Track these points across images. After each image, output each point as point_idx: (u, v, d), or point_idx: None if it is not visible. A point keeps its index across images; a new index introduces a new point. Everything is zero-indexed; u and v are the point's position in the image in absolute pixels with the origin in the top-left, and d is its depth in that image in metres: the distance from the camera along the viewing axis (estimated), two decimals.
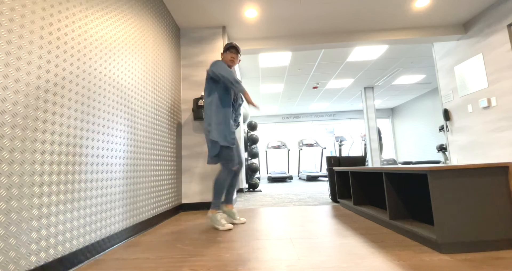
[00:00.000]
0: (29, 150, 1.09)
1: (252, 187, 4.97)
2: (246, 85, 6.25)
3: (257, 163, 6.73)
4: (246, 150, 5.36)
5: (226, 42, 3.33)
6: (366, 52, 4.66)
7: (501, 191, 1.31)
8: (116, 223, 1.70)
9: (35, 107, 1.13)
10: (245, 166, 5.10)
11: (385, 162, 7.27)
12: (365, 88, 7.11)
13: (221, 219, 2.01)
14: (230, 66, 2.24)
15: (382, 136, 7.56)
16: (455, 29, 3.57)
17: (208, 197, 3.02)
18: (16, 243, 1.01)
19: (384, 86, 7.07)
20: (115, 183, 1.71)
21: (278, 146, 8.23)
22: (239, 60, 2.31)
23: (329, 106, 9.29)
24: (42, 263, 1.12)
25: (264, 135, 10.26)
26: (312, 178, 7.12)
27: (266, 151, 8.80)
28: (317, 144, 8.04)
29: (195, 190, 3.04)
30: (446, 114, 3.91)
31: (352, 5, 3.01)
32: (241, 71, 5.35)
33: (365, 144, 7.33)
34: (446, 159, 6.21)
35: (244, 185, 5.11)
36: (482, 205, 1.30)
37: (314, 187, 5.17)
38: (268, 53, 4.12)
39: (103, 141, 1.61)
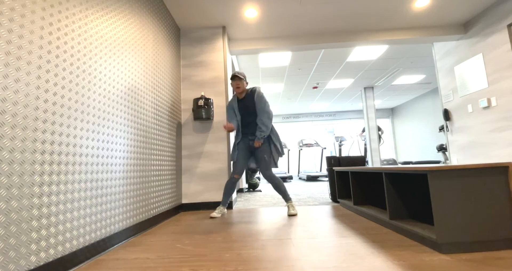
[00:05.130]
0: (29, 150, 1.09)
1: (252, 187, 4.98)
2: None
3: None
4: None
5: (226, 42, 3.33)
6: (366, 52, 4.66)
7: (501, 191, 1.31)
8: (116, 223, 1.70)
9: (35, 107, 1.13)
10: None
11: (385, 162, 7.27)
12: (365, 88, 7.12)
13: (216, 210, 2.57)
14: (239, 93, 2.59)
15: (380, 133, 7.55)
16: (455, 29, 3.57)
17: (207, 197, 3.02)
18: (16, 243, 1.01)
19: (384, 86, 7.08)
20: (115, 183, 1.71)
21: None
22: (247, 83, 2.62)
23: (329, 106, 9.29)
24: (42, 263, 1.12)
25: None
26: (312, 178, 7.12)
27: None
28: (317, 144, 8.04)
29: (195, 190, 3.04)
30: (446, 114, 3.91)
31: (352, 5, 3.01)
32: (241, 71, 5.35)
33: (365, 144, 7.33)
34: (446, 159, 6.21)
35: (244, 185, 5.11)
36: (482, 205, 1.30)
37: (314, 187, 5.17)
38: (268, 53, 4.12)
39: (103, 141, 1.61)
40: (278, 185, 2.53)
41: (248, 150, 2.60)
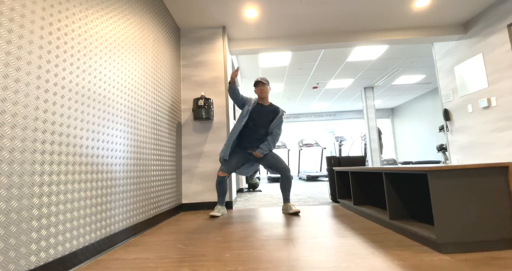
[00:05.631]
0: (29, 150, 1.09)
1: (252, 187, 4.98)
2: (246, 85, 6.25)
3: None
4: None
5: (226, 42, 3.33)
6: (366, 52, 4.66)
7: (501, 191, 1.31)
8: (116, 223, 1.70)
9: (35, 107, 1.13)
10: None
11: (385, 162, 7.27)
12: (365, 88, 7.12)
13: (215, 209, 2.57)
14: (262, 98, 2.63)
15: (382, 136, 7.57)
16: (455, 29, 3.57)
17: (207, 197, 3.02)
18: (16, 243, 1.01)
19: (384, 86, 7.08)
20: (115, 183, 1.71)
21: (278, 145, 8.23)
22: (270, 88, 2.67)
23: (329, 106, 9.29)
24: (42, 263, 1.12)
25: None
26: (312, 178, 7.12)
27: None
28: (317, 144, 8.04)
29: (195, 190, 3.04)
30: (446, 114, 3.91)
31: (352, 5, 3.01)
32: (241, 71, 5.35)
33: (365, 144, 7.33)
34: (446, 159, 6.21)
35: (244, 185, 5.11)
36: (482, 205, 1.30)
37: (314, 187, 5.17)
38: (268, 53, 4.12)
39: (103, 141, 1.61)
40: (290, 182, 2.57)
41: (245, 158, 2.61)
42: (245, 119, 2.53)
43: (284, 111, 2.66)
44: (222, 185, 2.55)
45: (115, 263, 1.35)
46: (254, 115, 2.58)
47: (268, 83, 2.63)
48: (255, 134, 2.59)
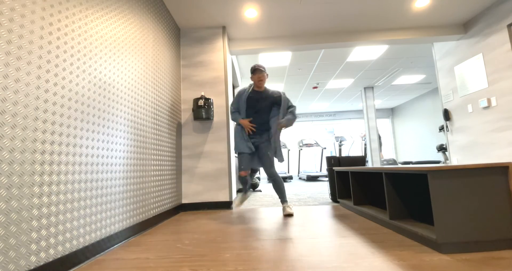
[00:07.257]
0: (29, 150, 1.09)
1: (252, 187, 4.97)
2: (246, 85, 6.24)
3: None
4: None
5: (226, 42, 3.33)
6: (366, 52, 4.66)
7: (501, 191, 1.31)
8: (116, 223, 1.70)
9: (35, 107, 1.13)
10: None
11: (385, 162, 7.27)
12: (365, 88, 7.11)
13: (238, 198, 2.76)
14: (259, 87, 2.52)
15: (381, 141, 7.60)
16: (455, 29, 3.57)
17: (207, 197, 3.02)
18: (16, 243, 1.01)
19: (384, 86, 7.07)
20: (115, 183, 1.71)
21: None
22: (267, 75, 2.54)
23: (329, 106, 9.28)
24: (42, 263, 1.12)
25: None
26: (312, 178, 7.12)
27: None
28: (317, 144, 8.03)
29: (195, 190, 3.04)
30: (446, 114, 3.91)
31: (352, 5, 3.01)
32: (241, 71, 5.35)
33: (365, 144, 7.33)
34: (446, 159, 6.21)
35: None
36: (482, 205, 1.30)
37: (314, 187, 5.17)
38: (268, 53, 4.12)
39: (103, 141, 1.61)
40: (280, 184, 2.51)
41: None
42: (244, 109, 2.49)
43: (283, 92, 2.59)
44: (244, 179, 2.71)
45: (115, 263, 1.35)
46: (253, 103, 2.50)
47: (265, 70, 2.52)
48: (259, 119, 2.53)
